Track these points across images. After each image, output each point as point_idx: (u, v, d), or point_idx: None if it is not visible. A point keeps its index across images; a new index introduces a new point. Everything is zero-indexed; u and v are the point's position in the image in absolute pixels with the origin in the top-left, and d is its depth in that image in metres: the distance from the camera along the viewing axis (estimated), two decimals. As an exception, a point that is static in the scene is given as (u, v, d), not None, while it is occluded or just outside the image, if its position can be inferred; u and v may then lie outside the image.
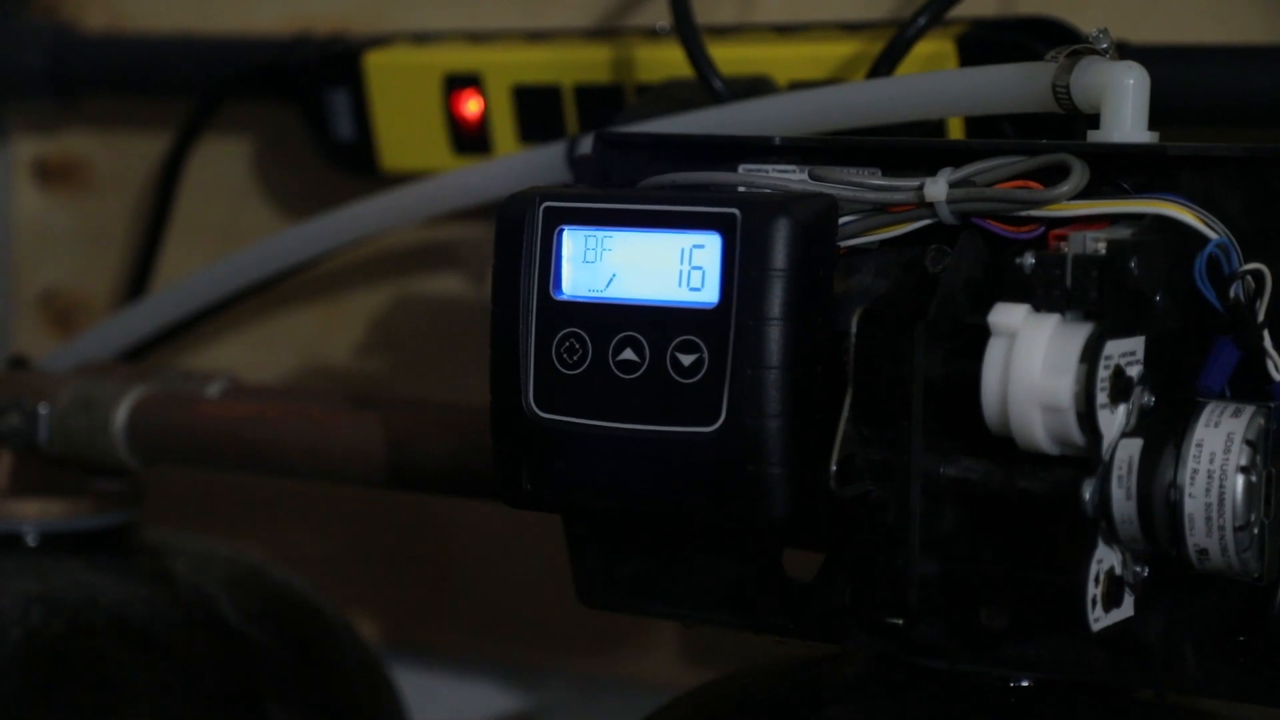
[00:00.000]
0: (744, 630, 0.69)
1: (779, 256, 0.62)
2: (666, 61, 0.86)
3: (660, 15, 0.83)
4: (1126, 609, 0.61)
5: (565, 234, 0.65)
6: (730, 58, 0.84)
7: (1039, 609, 0.62)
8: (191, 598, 0.87)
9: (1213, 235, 0.60)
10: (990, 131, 0.77)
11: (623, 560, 0.70)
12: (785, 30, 0.88)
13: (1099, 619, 0.59)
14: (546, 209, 0.65)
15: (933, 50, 0.80)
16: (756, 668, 0.74)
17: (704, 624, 0.70)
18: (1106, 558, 0.60)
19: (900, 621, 0.62)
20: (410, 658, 1.06)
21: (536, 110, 0.92)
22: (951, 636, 0.65)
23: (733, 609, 0.69)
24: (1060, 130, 0.72)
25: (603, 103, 0.89)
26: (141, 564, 0.89)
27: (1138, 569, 0.60)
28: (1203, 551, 0.58)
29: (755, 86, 0.82)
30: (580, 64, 0.91)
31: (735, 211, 0.62)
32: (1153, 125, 0.64)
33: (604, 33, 0.93)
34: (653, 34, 0.90)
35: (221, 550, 0.93)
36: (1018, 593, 0.62)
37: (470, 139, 0.94)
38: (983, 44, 0.80)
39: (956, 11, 0.79)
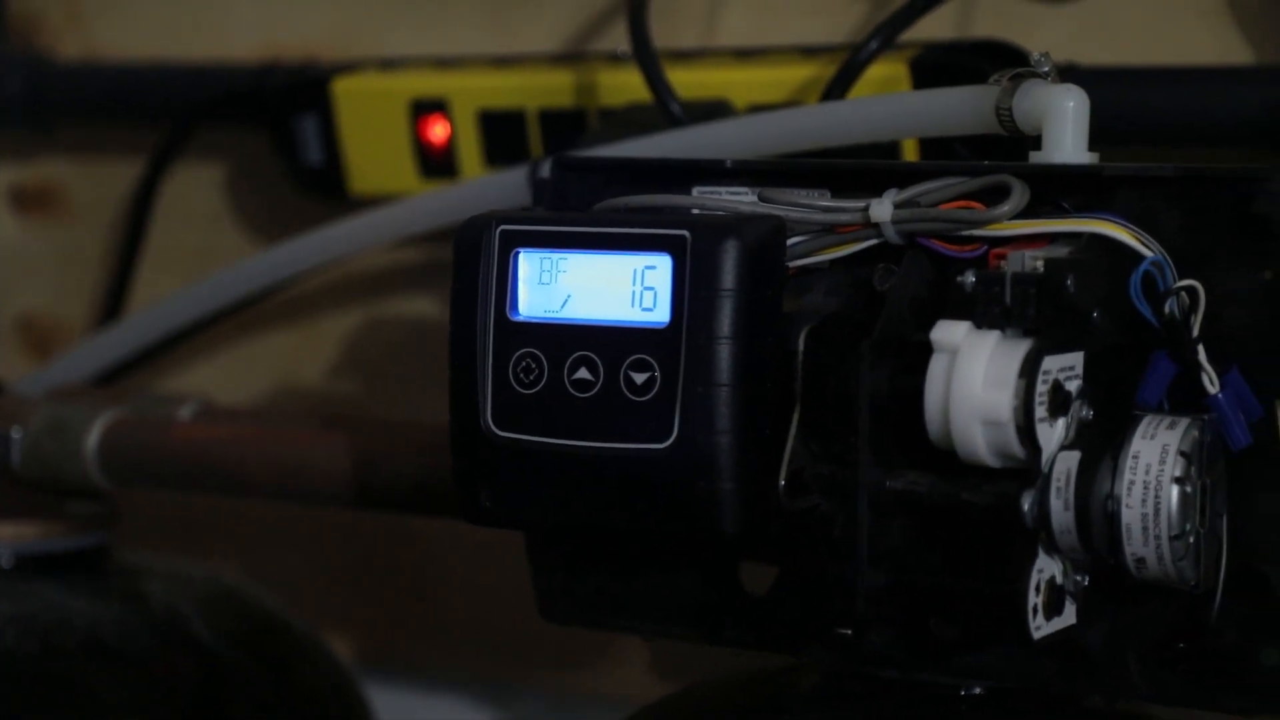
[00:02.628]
0: (702, 643, 0.71)
1: (728, 277, 0.63)
2: (629, 86, 0.87)
3: (624, 40, 0.84)
4: (1068, 617, 0.62)
5: (521, 256, 0.66)
6: (691, 81, 0.85)
7: (984, 618, 0.63)
8: (165, 618, 0.88)
9: (1148, 253, 0.61)
10: (943, 153, 0.79)
11: (583, 576, 0.71)
12: (745, 54, 0.89)
13: (1040, 627, 0.61)
14: (503, 232, 0.67)
15: (887, 73, 0.81)
16: (716, 680, 0.75)
17: (663, 638, 0.72)
18: (1047, 567, 0.61)
19: (849, 632, 0.64)
20: (383, 675, 1.07)
21: (502, 134, 0.93)
22: (902, 647, 0.66)
23: (691, 622, 0.71)
24: (1013, 151, 0.74)
25: (566, 127, 0.91)
26: (115, 585, 0.90)
27: (1078, 578, 0.62)
28: (1140, 560, 0.60)
29: (713, 110, 0.84)
30: (544, 89, 0.92)
31: (685, 233, 0.64)
32: (1102, 146, 0.66)
33: (568, 58, 0.95)
34: (614, 59, 0.92)
35: (195, 571, 0.94)
36: (964, 602, 0.63)
37: (437, 163, 0.95)
38: (935, 67, 0.82)
39: (911, 35, 0.81)
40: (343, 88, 0.98)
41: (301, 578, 1.10)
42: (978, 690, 0.68)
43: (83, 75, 1.11)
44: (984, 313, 0.60)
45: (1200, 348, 0.61)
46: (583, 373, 0.65)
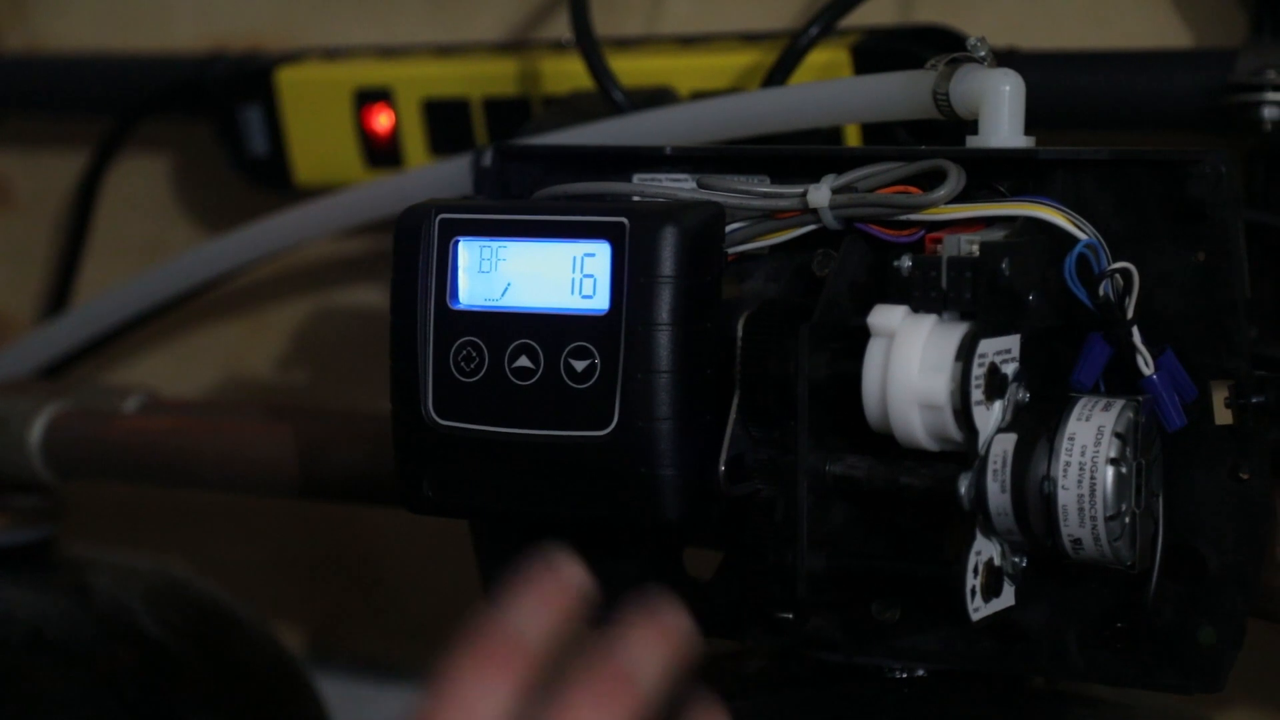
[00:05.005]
0: (647, 629, 0.71)
1: (666, 264, 0.63)
2: (573, 74, 0.87)
3: (568, 29, 0.84)
4: (1007, 599, 0.63)
5: (461, 245, 0.66)
6: (635, 69, 0.85)
7: (924, 601, 0.64)
8: (110, 611, 0.88)
9: (1082, 236, 0.62)
10: (886, 138, 0.79)
11: (528, 563, 0.71)
12: (688, 42, 0.89)
13: (979, 609, 0.61)
14: (442, 220, 0.67)
15: (828, 59, 0.81)
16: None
17: (607, 624, 0.72)
18: (985, 549, 0.62)
19: (791, 616, 0.64)
20: (333, 666, 1.07)
21: (446, 123, 0.93)
22: (844, 630, 0.66)
23: (636, 609, 0.71)
24: (955, 136, 0.74)
25: (511, 115, 0.91)
26: (60, 578, 0.89)
27: (1016, 560, 0.62)
28: (1076, 541, 0.60)
29: (656, 97, 0.84)
30: (489, 77, 0.92)
31: (624, 220, 0.64)
32: (1041, 130, 0.66)
33: (512, 46, 0.95)
34: (558, 47, 0.92)
35: (141, 563, 0.94)
36: (903, 585, 0.64)
37: (382, 152, 0.95)
38: (876, 53, 0.82)
39: (852, 21, 0.81)
40: (287, 78, 0.97)
41: (250, 569, 1.10)
42: (920, 672, 0.68)
43: (26, 67, 1.11)
44: (920, 297, 0.60)
45: (1135, 330, 0.61)
46: (523, 361, 0.65)
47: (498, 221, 0.66)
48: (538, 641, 0.53)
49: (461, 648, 0.52)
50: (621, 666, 0.53)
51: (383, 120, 0.95)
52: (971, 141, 0.66)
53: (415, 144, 0.94)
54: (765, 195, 0.66)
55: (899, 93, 0.68)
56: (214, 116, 1.00)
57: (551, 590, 0.54)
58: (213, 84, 0.99)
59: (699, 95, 0.85)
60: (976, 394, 0.60)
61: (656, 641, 0.53)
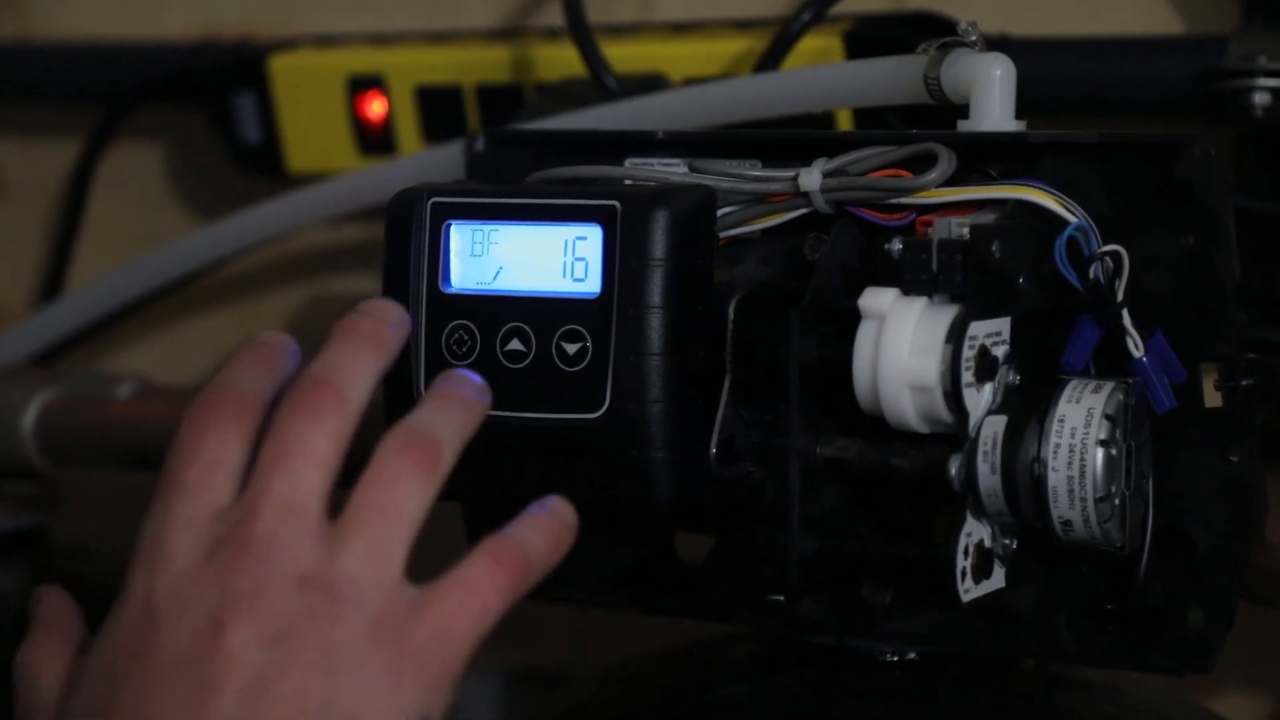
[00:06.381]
0: (639, 613, 0.71)
1: (657, 246, 0.63)
2: (565, 61, 0.87)
3: (560, 16, 0.84)
4: (997, 580, 0.63)
5: (453, 228, 0.67)
6: (627, 56, 0.85)
7: (915, 583, 0.64)
8: (103, 597, 0.87)
9: (1072, 218, 0.62)
10: (877, 123, 0.79)
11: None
12: (680, 28, 0.90)
13: (969, 590, 0.62)
14: (434, 204, 0.67)
15: (820, 46, 0.82)
16: (652, 651, 0.76)
17: (600, 608, 0.72)
18: (975, 531, 0.62)
19: (782, 599, 0.64)
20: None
21: (439, 110, 0.93)
22: (835, 613, 0.67)
23: (627, 592, 0.71)
24: (945, 121, 0.74)
25: (504, 102, 0.91)
26: (53, 566, 0.90)
27: (1006, 541, 0.63)
28: (1066, 523, 0.60)
29: (648, 84, 0.84)
30: (481, 64, 0.92)
31: (615, 204, 0.64)
32: (1033, 116, 0.67)
33: (505, 34, 0.95)
34: (551, 34, 0.92)
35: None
36: (895, 567, 0.64)
37: (375, 140, 0.95)
38: (868, 39, 0.82)
39: (844, 8, 0.81)
40: (279, 65, 0.97)
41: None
42: (911, 655, 0.68)
43: (19, 56, 1.11)
44: (911, 279, 0.61)
45: (1125, 312, 0.62)
46: (515, 344, 0.65)
47: (489, 205, 0.66)
48: (257, 393, 0.57)
49: (193, 411, 0.57)
50: (318, 376, 0.56)
51: (375, 107, 0.95)
52: (962, 125, 0.66)
53: (408, 131, 0.94)
54: (757, 179, 0.66)
55: (890, 77, 0.69)
56: (207, 104, 1.00)
57: (263, 353, 0.58)
58: (205, 72, 0.99)
59: (690, 82, 0.85)
60: (967, 376, 0.60)
61: (348, 346, 0.57)
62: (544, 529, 0.58)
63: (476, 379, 0.59)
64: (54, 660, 0.59)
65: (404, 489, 0.56)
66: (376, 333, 0.58)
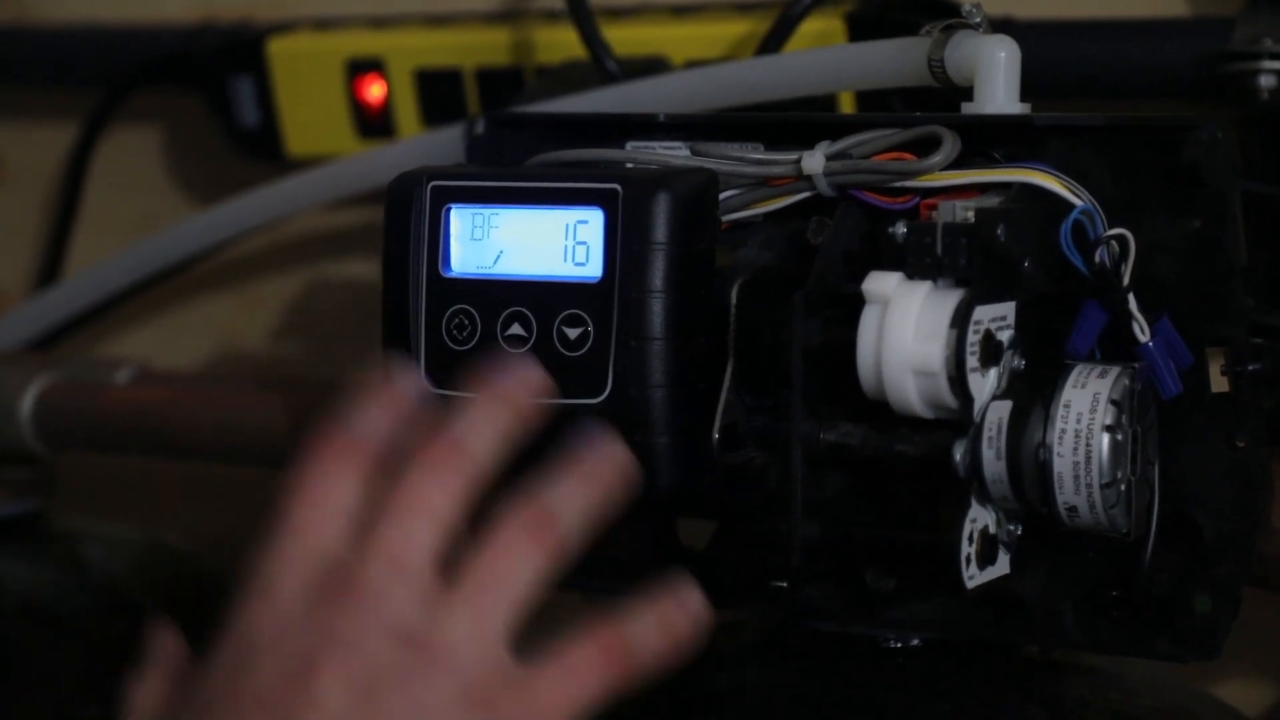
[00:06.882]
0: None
1: (659, 230, 0.63)
2: (565, 43, 0.87)
3: (560, -2, 0.84)
4: (1002, 566, 0.62)
5: (453, 212, 0.66)
6: (628, 39, 0.85)
7: (919, 569, 0.63)
8: (102, 582, 0.87)
9: (1078, 202, 0.61)
10: (880, 106, 0.79)
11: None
12: (681, 11, 0.89)
13: (973, 577, 0.61)
14: (434, 188, 0.66)
15: (822, 28, 0.81)
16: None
17: (602, 594, 0.71)
18: (980, 517, 0.61)
19: (785, 585, 0.64)
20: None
21: (438, 93, 0.93)
22: (839, 599, 0.66)
23: (630, 579, 0.70)
24: (949, 103, 0.74)
25: (504, 85, 0.91)
26: (52, 550, 0.89)
27: (1011, 527, 0.62)
28: (1072, 509, 0.60)
29: (649, 66, 0.83)
30: (481, 47, 0.92)
31: (616, 187, 0.64)
32: (1037, 99, 0.66)
33: (504, 16, 0.94)
34: (551, 17, 0.91)
35: (134, 534, 0.93)
36: (899, 554, 0.63)
37: (374, 123, 0.95)
38: (870, 21, 0.81)
39: (846, -10, 0.81)
40: (278, 48, 0.97)
41: (243, 539, 1.10)
42: (915, 642, 0.68)
43: (16, 39, 1.10)
44: (915, 263, 0.60)
45: (1130, 296, 0.61)
46: (516, 329, 0.65)
47: (490, 189, 0.66)
48: (378, 437, 0.57)
49: (311, 451, 0.56)
50: (452, 436, 0.56)
51: (374, 91, 0.94)
52: (966, 108, 0.65)
53: (407, 114, 0.94)
54: (759, 162, 0.66)
55: (894, 60, 0.68)
56: (205, 88, 0.99)
57: (388, 395, 0.58)
58: (203, 55, 0.99)
59: (691, 64, 0.84)
60: (971, 361, 0.60)
61: (487, 409, 0.57)
62: (664, 624, 0.56)
63: (625, 457, 0.58)
64: (156, 691, 0.58)
65: (520, 564, 0.55)
66: (517, 398, 0.57)
